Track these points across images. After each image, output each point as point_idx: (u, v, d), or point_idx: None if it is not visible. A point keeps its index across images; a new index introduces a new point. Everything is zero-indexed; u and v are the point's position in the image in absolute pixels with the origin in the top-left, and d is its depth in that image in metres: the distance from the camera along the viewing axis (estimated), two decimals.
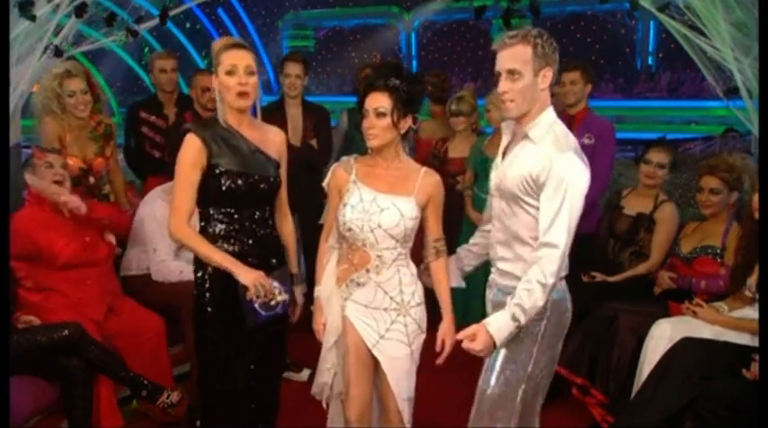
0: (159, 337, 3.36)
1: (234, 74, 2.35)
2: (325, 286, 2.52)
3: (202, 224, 2.47)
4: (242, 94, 2.37)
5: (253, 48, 2.47)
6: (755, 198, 2.79)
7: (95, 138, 3.76)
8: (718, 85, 3.79)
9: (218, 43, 2.43)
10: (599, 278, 3.60)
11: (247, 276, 2.29)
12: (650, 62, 15.36)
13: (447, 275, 2.52)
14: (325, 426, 2.65)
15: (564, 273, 2.26)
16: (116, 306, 3.35)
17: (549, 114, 2.22)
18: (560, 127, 2.22)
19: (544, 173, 2.11)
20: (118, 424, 3.05)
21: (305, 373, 3.74)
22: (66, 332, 2.92)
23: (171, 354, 3.42)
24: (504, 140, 2.35)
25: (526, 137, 2.21)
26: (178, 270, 3.54)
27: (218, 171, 2.37)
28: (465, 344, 2.05)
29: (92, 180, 3.73)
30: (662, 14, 3.69)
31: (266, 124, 2.62)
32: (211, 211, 2.43)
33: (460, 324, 2.34)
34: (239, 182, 2.39)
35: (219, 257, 2.35)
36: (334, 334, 2.49)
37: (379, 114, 2.33)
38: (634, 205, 3.66)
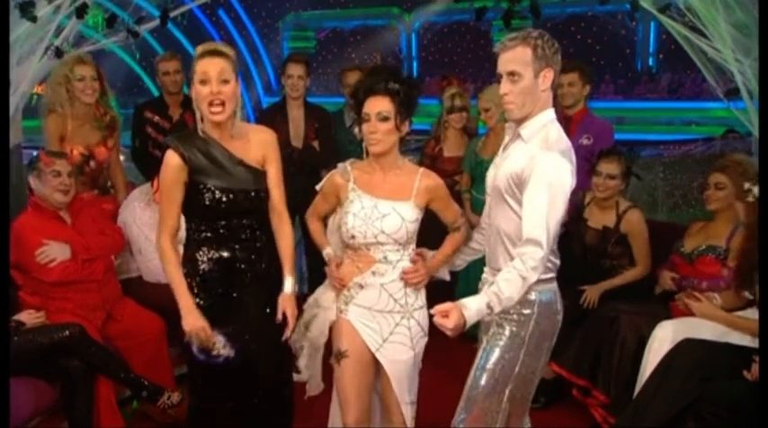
0: (159, 338, 3.36)
1: (206, 83, 2.28)
2: (324, 292, 2.56)
3: (188, 232, 2.46)
4: (215, 105, 2.29)
5: (235, 50, 2.40)
6: None
7: (100, 127, 3.77)
8: (719, 86, 3.78)
9: (196, 51, 2.35)
10: (588, 294, 3.47)
11: (188, 323, 2.32)
12: (651, 63, 15.35)
13: (454, 244, 2.55)
14: (324, 426, 2.66)
15: (553, 273, 2.26)
16: (116, 309, 3.34)
17: (546, 115, 2.22)
18: (555, 128, 2.21)
19: (527, 171, 2.12)
20: (118, 425, 3.05)
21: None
22: (67, 332, 2.92)
23: (171, 355, 3.41)
24: (506, 140, 2.36)
25: (519, 136, 2.23)
26: None
27: (200, 187, 2.35)
28: (437, 320, 2.04)
29: (93, 164, 3.72)
30: (662, 15, 3.68)
31: (251, 127, 2.56)
32: (197, 221, 2.43)
33: None
34: (222, 198, 2.36)
35: (180, 290, 2.36)
36: (316, 330, 2.51)
37: (383, 118, 2.33)
38: (597, 218, 3.56)
